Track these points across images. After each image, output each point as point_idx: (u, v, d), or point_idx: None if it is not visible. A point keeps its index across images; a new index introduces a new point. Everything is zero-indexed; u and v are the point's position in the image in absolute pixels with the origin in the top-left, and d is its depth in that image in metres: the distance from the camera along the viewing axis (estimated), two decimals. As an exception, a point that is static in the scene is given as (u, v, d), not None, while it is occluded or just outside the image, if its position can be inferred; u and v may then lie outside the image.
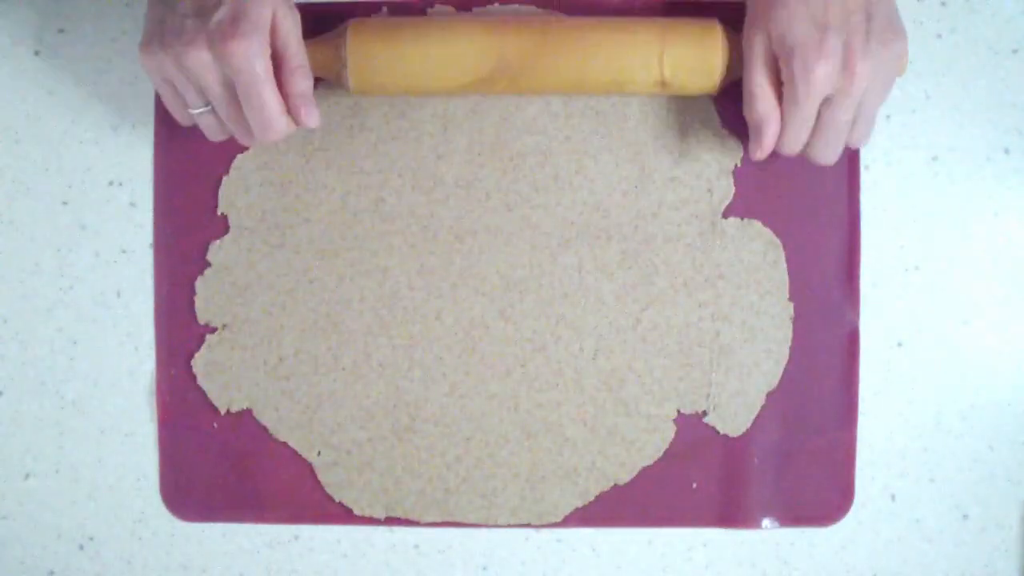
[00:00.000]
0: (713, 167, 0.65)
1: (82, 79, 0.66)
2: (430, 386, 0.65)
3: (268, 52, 0.56)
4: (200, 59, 0.55)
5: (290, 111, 0.57)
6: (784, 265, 0.65)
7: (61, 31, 0.66)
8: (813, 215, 0.65)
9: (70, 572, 0.66)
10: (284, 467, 0.66)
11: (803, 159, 0.65)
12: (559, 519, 0.65)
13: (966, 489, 0.66)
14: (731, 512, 0.65)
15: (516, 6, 0.65)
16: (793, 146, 0.59)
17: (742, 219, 0.65)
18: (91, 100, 0.66)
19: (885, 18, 0.57)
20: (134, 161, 0.66)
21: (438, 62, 0.60)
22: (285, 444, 0.65)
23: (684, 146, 0.65)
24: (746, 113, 0.59)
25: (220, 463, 0.66)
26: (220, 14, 0.55)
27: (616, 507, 0.65)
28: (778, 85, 0.58)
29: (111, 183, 0.67)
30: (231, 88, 0.56)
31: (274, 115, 0.56)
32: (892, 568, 0.66)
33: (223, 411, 0.66)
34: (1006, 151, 0.66)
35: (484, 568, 0.66)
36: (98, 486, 0.66)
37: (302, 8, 0.66)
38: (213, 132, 0.60)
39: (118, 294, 0.66)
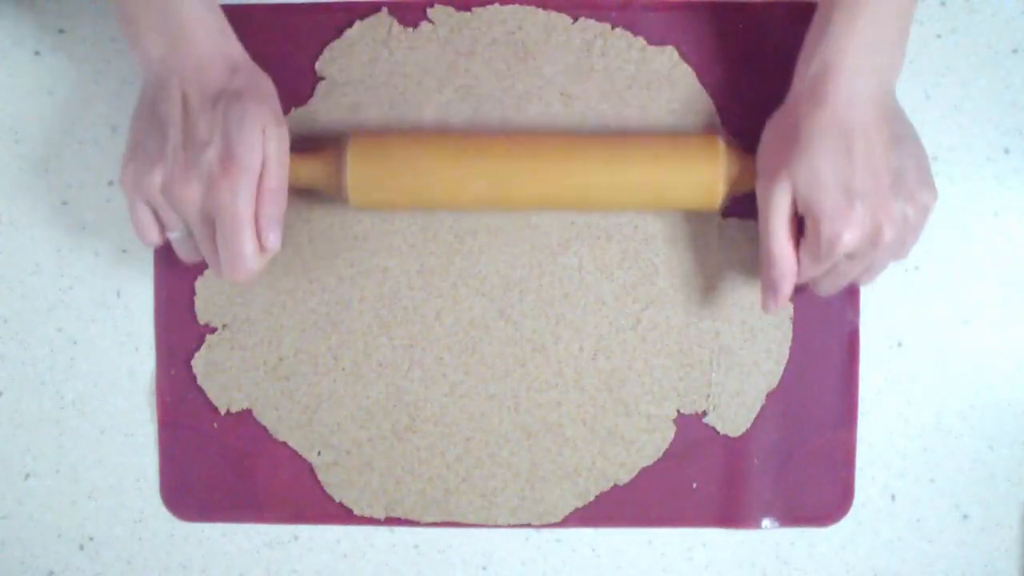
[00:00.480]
0: (713, 167, 0.65)
1: (82, 79, 0.66)
2: (430, 386, 0.65)
3: (254, 191, 0.56)
4: (187, 194, 0.56)
5: (256, 227, 0.57)
6: (784, 265, 0.65)
7: (61, 31, 0.66)
8: (813, 215, 0.65)
9: (70, 572, 0.66)
10: (284, 467, 0.66)
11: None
12: (559, 519, 0.65)
13: (966, 489, 0.66)
14: (731, 512, 0.65)
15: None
16: (802, 282, 0.59)
17: (742, 219, 0.65)
18: (91, 100, 0.66)
19: (915, 173, 0.57)
20: (134, 161, 0.66)
21: (439, 180, 0.60)
22: (285, 444, 0.65)
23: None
24: (762, 264, 0.59)
25: (220, 463, 0.66)
26: (211, 152, 0.55)
27: (616, 507, 0.65)
28: (797, 237, 0.58)
29: (111, 183, 0.67)
30: (211, 221, 0.57)
31: (247, 258, 0.57)
32: (892, 568, 0.66)
33: (223, 411, 0.66)
34: (1006, 151, 0.66)
35: (484, 568, 0.66)
36: (98, 486, 0.66)
37: (295, 9, 0.66)
38: (186, 254, 0.60)
39: (118, 294, 0.66)
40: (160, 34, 0.57)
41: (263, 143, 0.56)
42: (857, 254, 0.56)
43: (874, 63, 0.56)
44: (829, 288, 0.60)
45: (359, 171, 0.60)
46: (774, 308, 0.59)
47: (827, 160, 0.55)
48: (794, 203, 0.57)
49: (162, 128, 0.57)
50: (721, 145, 0.61)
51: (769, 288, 0.59)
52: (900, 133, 0.57)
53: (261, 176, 0.57)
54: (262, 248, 0.57)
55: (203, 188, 0.56)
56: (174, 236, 0.59)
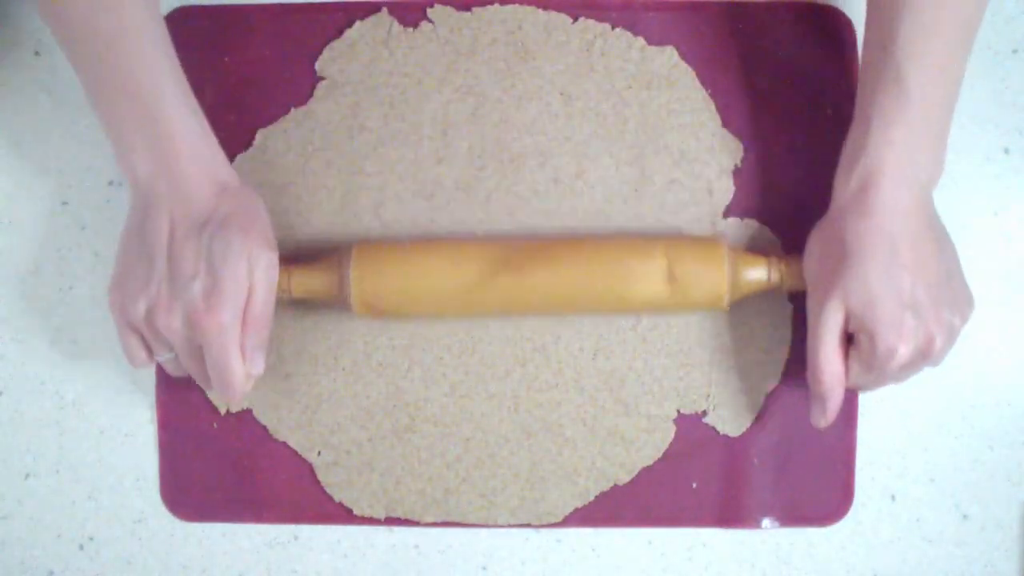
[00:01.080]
0: (713, 167, 0.65)
1: (82, 79, 0.66)
2: (430, 386, 0.65)
3: (240, 321, 0.56)
4: (171, 325, 0.56)
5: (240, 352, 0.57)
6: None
7: (61, 31, 0.66)
8: (813, 215, 0.65)
9: (70, 572, 0.66)
10: (284, 467, 0.66)
11: (803, 158, 0.66)
12: (559, 519, 0.65)
13: (966, 489, 0.66)
14: (731, 512, 0.65)
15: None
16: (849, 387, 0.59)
17: (742, 219, 0.65)
18: (91, 100, 0.66)
19: (957, 280, 0.57)
20: (134, 161, 0.66)
21: (443, 291, 0.60)
22: (285, 444, 0.65)
23: (684, 147, 0.65)
24: (811, 381, 0.59)
25: (220, 463, 0.66)
26: (196, 287, 0.55)
27: (616, 507, 0.65)
28: (845, 347, 0.58)
29: (111, 183, 0.67)
30: (197, 348, 0.57)
31: (237, 382, 0.57)
32: (892, 568, 0.66)
33: (223, 411, 0.66)
34: (1006, 151, 0.66)
35: (484, 568, 0.66)
36: (98, 486, 0.66)
37: (295, 9, 0.66)
38: (176, 373, 0.61)
39: (118, 294, 0.66)
40: (148, 154, 0.56)
41: (249, 272, 0.56)
42: (906, 364, 0.57)
43: (914, 171, 0.56)
44: (870, 388, 0.60)
45: (363, 282, 0.60)
46: (824, 423, 0.59)
47: (878, 274, 0.55)
48: (845, 319, 0.57)
49: (148, 255, 0.56)
50: (725, 252, 0.61)
51: (818, 402, 0.59)
52: (941, 239, 0.58)
53: (249, 305, 0.57)
54: (248, 368, 0.58)
55: (187, 320, 0.56)
56: (160, 360, 0.59)
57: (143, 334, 0.58)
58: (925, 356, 0.56)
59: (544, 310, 0.62)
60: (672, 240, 0.61)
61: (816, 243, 0.59)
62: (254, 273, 0.56)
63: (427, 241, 0.62)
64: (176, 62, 0.57)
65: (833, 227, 0.58)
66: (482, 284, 0.60)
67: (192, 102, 0.58)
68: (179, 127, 0.56)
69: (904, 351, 0.55)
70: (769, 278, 0.61)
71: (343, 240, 0.64)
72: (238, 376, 0.57)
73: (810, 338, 0.58)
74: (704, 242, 0.61)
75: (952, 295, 0.57)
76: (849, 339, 0.58)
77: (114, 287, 0.58)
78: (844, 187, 0.57)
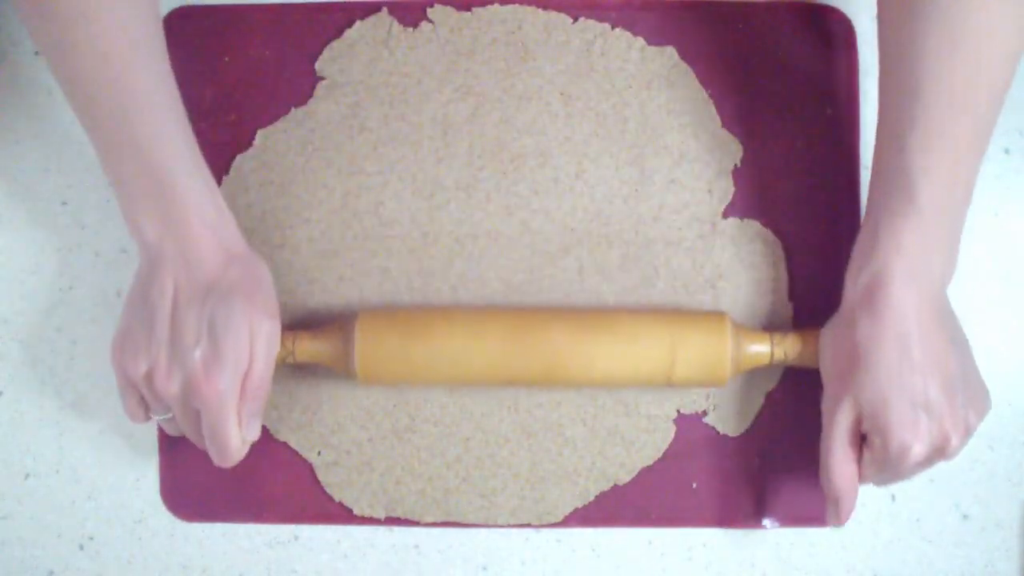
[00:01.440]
0: (713, 168, 0.65)
1: (82, 79, 0.66)
2: (430, 386, 0.65)
3: (239, 389, 0.56)
4: (170, 391, 0.56)
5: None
6: (784, 265, 0.65)
7: (61, 31, 0.66)
8: (813, 215, 0.65)
9: (70, 572, 0.66)
10: (284, 467, 0.65)
11: (803, 158, 0.66)
12: (559, 519, 0.65)
13: (966, 489, 0.66)
14: (731, 512, 0.65)
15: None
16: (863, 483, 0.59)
17: (742, 219, 0.65)
18: (91, 100, 0.66)
19: (974, 385, 0.57)
20: (134, 161, 0.66)
21: (448, 360, 0.60)
22: (285, 444, 0.65)
23: (684, 147, 0.65)
24: (824, 483, 0.59)
25: (220, 463, 0.66)
26: (196, 354, 0.55)
27: (616, 507, 0.65)
28: (857, 446, 0.58)
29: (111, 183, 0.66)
30: (194, 412, 0.57)
31: (233, 449, 0.57)
32: (892, 568, 0.66)
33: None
34: (1006, 151, 0.66)
35: (484, 568, 0.66)
36: (98, 486, 0.66)
37: (295, 9, 0.66)
38: (172, 432, 0.61)
39: (118, 294, 0.66)
40: (157, 218, 0.56)
41: (250, 343, 0.56)
42: (924, 462, 0.56)
43: (924, 274, 0.56)
44: (884, 484, 0.60)
45: (368, 350, 0.60)
46: (838, 524, 0.59)
47: (889, 375, 0.55)
48: (857, 419, 0.57)
49: (151, 317, 0.56)
50: (728, 324, 0.60)
51: (831, 504, 0.59)
52: (955, 336, 0.57)
53: (247, 375, 0.57)
54: (244, 435, 0.58)
55: (185, 386, 0.56)
56: (158, 418, 0.59)
57: (142, 393, 0.58)
58: (941, 454, 0.56)
59: (545, 385, 0.62)
60: (676, 319, 0.61)
61: (829, 341, 0.59)
62: (255, 343, 0.57)
63: (430, 311, 0.62)
64: (187, 124, 0.57)
65: (844, 326, 0.57)
66: (484, 358, 0.60)
67: (202, 166, 0.57)
68: (188, 192, 0.56)
69: (919, 450, 0.55)
70: (772, 355, 0.61)
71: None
72: (234, 443, 0.57)
73: (823, 439, 0.58)
74: (708, 322, 0.61)
75: (968, 393, 0.56)
76: (863, 439, 0.58)
77: (116, 345, 0.58)
78: (854, 286, 0.57)
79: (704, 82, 0.65)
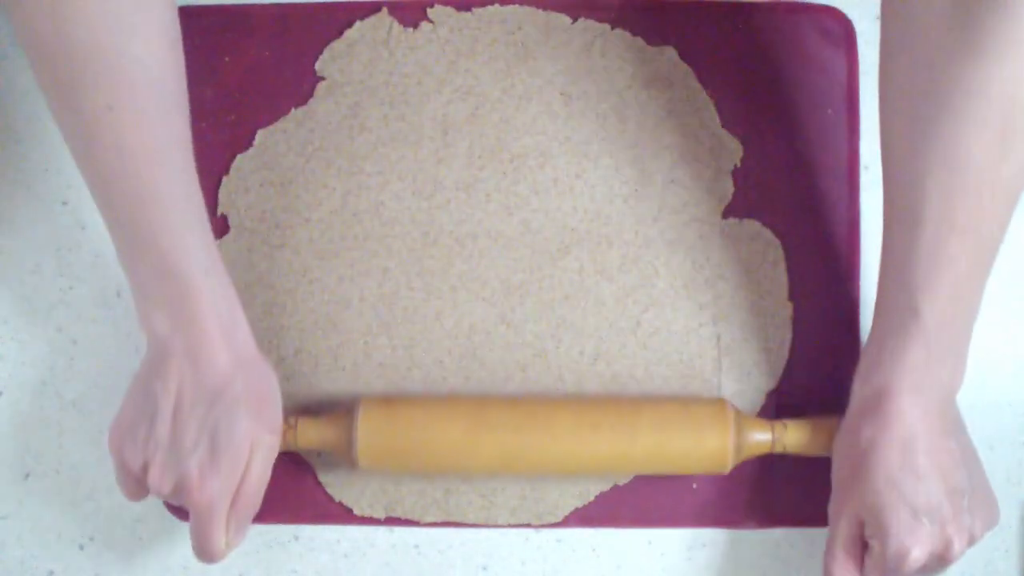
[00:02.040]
0: (713, 168, 0.65)
1: (82, 79, 0.66)
2: (430, 388, 0.65)
3: (230, 498, 0.57)
4: (162, 488, 0.56)
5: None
6: (784, 265, 0.65)
7: (61, 31, 0.66)
8: (813, 215, 0.65)
9: (70, 572, 0.66)
10: (284, 467, 0.65)
11: (803, 158, 0.66)
12: (559, 519, 0.65)
13: (966, 489, 0.65)
14: (731, 512, 0.65)
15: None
16: None
17: (742, 219, 0.65)
18: (91, 100, 0.66)
19: (980, 493, 0.57)
20: (134, 161, 0.66)
21: (450, 451, 0.60)
22: (285, 444, 0.65)
23: (684, 147, 0.65)
24: None
25: (220, 463, 0.66)
26: (193, 460, 0.55)
27: (616, 507, 0.65)
28: (859, 554, 0.57)
29: (111, 183, 0.66)
30: (184, 507, 0.58)
31: (217, 553, 0.57)
32: (892, 568, 0.66)
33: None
34: (1006, 151, 0.66)
35: (484, 568, 0.66)
36: (98, 486, 0.66)
37: (295, 9, 0.66)
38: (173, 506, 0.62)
39: (118, 294, 0.66)
40: (169, 314, 0.56)
41: (248, 458, 0.57)
42: (924, 569, 0.56)
43: (930, 383, 0.56)
44: None
45: (369, 440, 0.60)
46: None
47: (890, 479, 0.55)
48: (860, 525, 0.57)
49: (152, 414, 0.56)
50: (730, 413, 0.61)
51: None
52: (962, 446, 0.57)
53: (240, 487, 0.57)
54: (229, 543, 0.58)
55: (178, 487, 0.56)
56: (156, 496, 0.59)
57: (138, 478, 0.58)
58: (943, 561, 0.56)
59: (551, 472, 0.63)
60: (677, 407, 0.61)
61: (838, 446, 0.59)
62: (253, 458, 0.57)
63: (432, 402, 0.62)
64: (206, 221, 0.57)
65: (850, 433, 0.57)
66: (486, 451, 0.60)
67: (219, 266, 0.57)
68: (203, 292, 0.55)
69: (918, 554, 0.55)
70: (772, 444, 0.61)
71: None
72: (218, 549, 0.57)
73: (827, 545, 0.58)
74: (709, 411, 0.61)
75: (975, 502, 0.56)
76: (867, 546, 0.57)
77: (114, 433, 0.58)
78: (860, 393, 0.57)
79: (704, 82, 0.65)
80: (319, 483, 0.65)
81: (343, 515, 0.65)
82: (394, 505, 0.65)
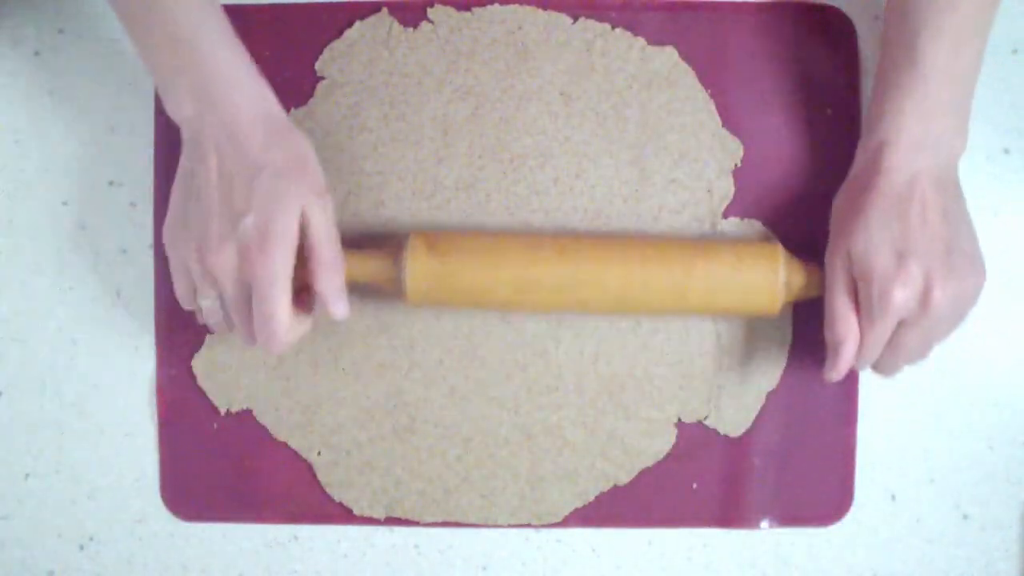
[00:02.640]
0: (713, 167, 0.65)
1: (82, 79, 0.66)
2: (430, 387, 0.65)
3: (292, 263, 0.55)
4: (221, 263, 0.55)
5: (320, 303, 0.57)
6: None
7: (61, 31, 0.66)
8: (813, 215, 0.65)
9: (70, 572, 0.66)
10: (284, 467, 0.65)
11: (803, 158, 0.66)
12: (559, 519, 0.65)
13: (966, 489, 0.66)
14: (731, 512, 0.65)
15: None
16: (864, 363, 0.59)
17: (742, 219, 0.65)
18: (91, 100, 0.66)
19: (966, 252, 0.57)
20: (134, 161, 0.66)
21: (500, 285, 0.60)
22: (285, 444, 0.65)
23: (684, 147, 0.65)
24: (826, 332, 0.59)
25: (220, 463, 0.66)
26: (248, 222, 0.54)
27: (616, 508, 0.65)
28: (857, 304, 0.58)
29: (111, 183, 0.67)
30: (246, 291, 0.56)
31: (281, 330, 0.56)
32: (892, 568, 0.66)
33: (223, 411, 0.66)
34: (1006, 151, 0.66)
35: (484, 568, 0.66)
36: (98, 486, 0.66)
37: (295, 9, 0.66)
38: (215, 323, 0.59)
39: (118, 294, 0.66)
40: (194, 93, 0.56)
41: (302, 222, 0.56)
42: (909, 319, 0.56)
43: (929, 140, 0.57)
44: (888, 367, 0.59)
45: (418, 270, 0.60)
46: (835, 375, 0.58)
47: (881, 226, 0.56)
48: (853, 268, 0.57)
49: (197, 194, 0.56)
50: (781, 253, 0.61)
51: (831, 353, 0.59)
52: (956, 210, 0.58)
53: (315, 252, 0.56)
54: (331, 316, 0.57)
55: (238, 257, 0.55)
56: (205, 304, 0.58)
57: (192, 273, 0.57)
58: (925, 306, 0.56)
59: (601, 311, 0.62)
60: (728, 247, 0.61)
61: (837, 203, 0.60)
62: (312, 219, 0.56)
63: (482, 236, 0.62)
64: (218, 3, 0.57)
65: (851, 187, 0.59)
66: (538, 277, 0.60)
67: (234, 40, 0.57)
68: (223, 63, 0.56)
69: (899, 296, 0.55)
70: (822, 285, 0.60)
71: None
72: (282, 324, 0.55)
73: (826, 291, 0.59)
74: (760, 251, 0.61)
75: (957, 259, 0.56)
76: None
77: (168, 226, 0.58)
78: (864, 148, 0.59)
79: (704, 82, 0.65)
80: (319, 483, 0.65)
81: (343, 515, 0.65)
82: (394, 505, 0.65)
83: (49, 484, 0.66)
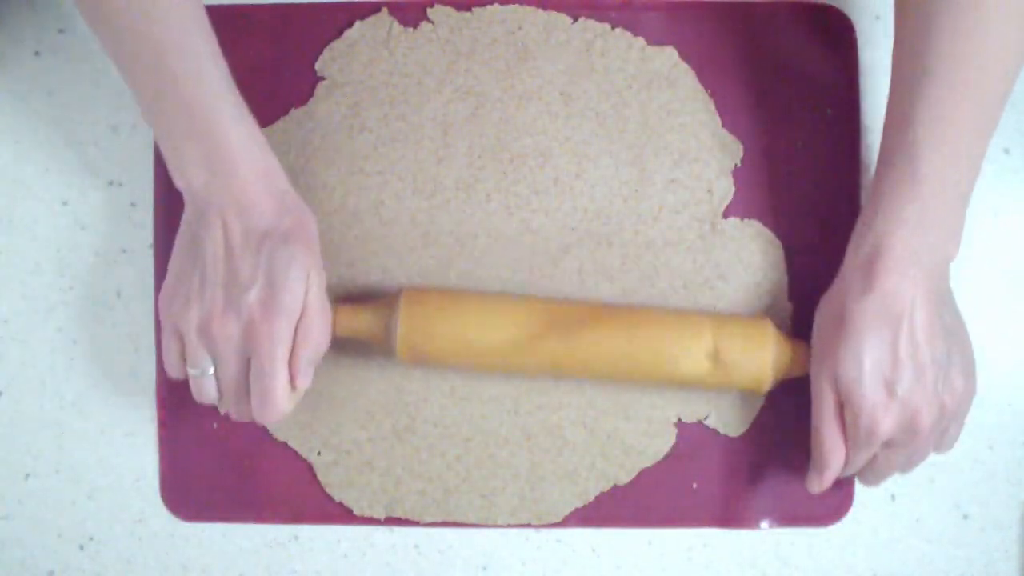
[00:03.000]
0: (713, 168, 0.65)
1: (82, 79, 0.66)
2: (430, 387, 0.65)
3: (292, 335, 0.56)
4: (224, 335, 0.55)
5: (289, 368, 0.57)
6: (784, 265, 0.65)
7: (61, 31, 0.66)
8: (813, 215, 0.65)
9: (70, 572, 0.66)
10: (284, 467, 0.65)
11: (803, 158, 0.66)
12: (559, 519, 0.65)
13: (966, 489, 0.66)
14: (731, 512, 0.65)
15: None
16: (847, 473, 0.59)
17: (742, 219, 0.65)
18: (91, 100, 0.66)
19: (958, 366, 0.57)
20: (134, 161, 0.66)
21: (488, 346, 0.60)
22: (285, 444, 0.65)
23: (684, 147, 0.65)
24: (812, 451, 0.59)
25: (220, 463, 0.66)
26: (252, 294, 0.55)
27: (616, 507, 0.65)
28: (844, 424, 0.58)
29: (111, 183, 0.67)
30: (246, 364, 0.56)
31: (279, 397, 0.56)
32: (892, 568, 0.66)
33: (223, 411, 0.65)
34: (1006, 151, 0.66)
35: (484, 568, 0.66)
36: (98, 486, 0.66)
37: (295, 9, 0.66)
38: (203, 394, 0.59)
39: (118, 294, 0.66)
40: (203, 165, 0.55)
41: (306, 289, 0.56)
42: (896, 442, 0.56)
43: (924, 251, 0.56)
44: (872, 480, 0.60)
45: (409, 330, 0.60)
46: (818, 490, 0.59)
47: (869, 351, 0.55)
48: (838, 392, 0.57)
49: (202, 264, 0.56)
50: (771, 330, 0.61)
51: (815, 469, 0.59)
52: (948, 323, 0.57)
53: (303, 321, 0.56)
54: (293, 385, 0.57)
55: (241, 328, 0.55)
56: (194, 373, 0.58)
57: (185, 343, 0.57)
58: (913, 433, 0.56)
59: (586, 376, 0.62)
60: (719, 319, 0.61)
61: (822, 311, 0.59)
62: (311, 291, 0.56)
63: (474, 294, 0.62)
64: (227, 71, 0.57)
65: (838, 298, 0.58)
66: (528, 344, 0.60)
67: (247, 113, 0.57)
68: (233, 137, 0.55)
69: (886, 427, 0.55)
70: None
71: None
72: (280, 391, 0.56)
73: (812, 407, 0.59)
74: (751, 324, 0.61)
75: (952, 374, 0.56)
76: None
77: (166, 293, 0.58)
78: (852, 260, 0.58)
79: (704, 82, 0.65)
80: (319, 483, 0.65)
81: (343, 515, 0.65)
82: (394, 505, 0.65)
83: (49, 484, 0.66)
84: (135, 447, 0.66)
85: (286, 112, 0.66)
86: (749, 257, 0.65)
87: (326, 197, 0.65)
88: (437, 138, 0.65)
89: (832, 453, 0.58)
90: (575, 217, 0.65)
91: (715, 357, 0.60)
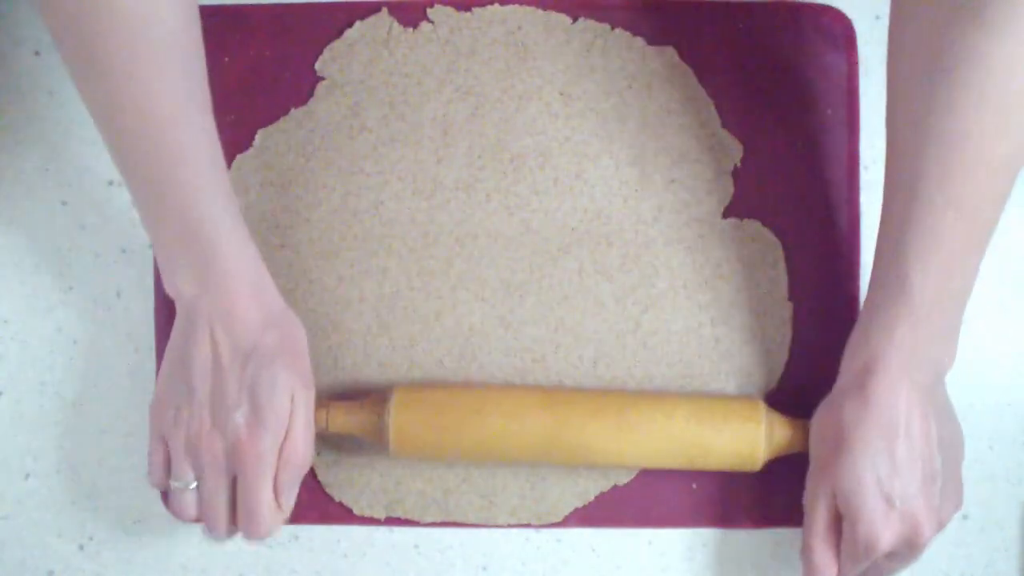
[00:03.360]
0: (713, 168, 0.65)
1: (82, 79, 0.66)
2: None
3: (276, 455, 0.56)
4: (211, 449, 0.56)
5: (274, 487, 0.57)
6: (784, 265, 0.65)
7: (61, 31, 0.66)
8: (813, 215, 0.65)
9: (70, 572, 0.66)
10: (284, 467, 0.65)
11: (803, 158, 0.66)
12: (559, 519, 0.65)
13: (966, 489, 0.65)
14: (731, 512, 0.65)
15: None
16: None
17: (742, 219, 0.65)
18: (91, 100, 0.66)
19: (950, 480, 0.57)
20: (134, 161, 0.66)
21: (480, 442, 0.61)
22: (285, 444, 0.65)
23: (684, 147, 0.65)
24: (803, 563, 0.59)
25: (220, 463, 0.66)
26: (238, 416, 0.56)
27: (616, 507, 0.65)
28: (837, 535, 0.58)
29: (111, 183, 0.67)
30: (229, 481, 0.57)
31: (264, 513, 0.57)
32: (892, 568, 0.66)
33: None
34: (1006, 151, 0.66)
35: (484, 568, 0.66)
36: (98, 486, 0.66)
37: (295, 9, 0.66)
38: (183, 510, 0.59)
39: (118, 294, 0.66)
40: (195, 277, 0.56)
41: (291, 410, 0.57)
42: (894, 555, 0.57)
43: (918, 364, 0.56)
44: None
45: (402, 429, 0.60)
46: None
47: (867, 465, 0.55)
48: (836, 505, 0.57)
49: (190, 377, 0.56)
50: (763, 410, 0.61)
51: (807, 573, 0.59)
52: (944, 434, 0.57)
53: (287, 443, 0.57)
54: (279, 504, 0.58)
55: (227, 448, 0.56)
56: (177, 486, 0.58)
57: (172, 453, 0.58)
58: (913, 547, 0.56)
59: (584, 464, 0.63)
60: (710, 404, 0.61)
61: (818, 422, 0.59)
62: (296, 411, 0.57)
63: (466, 391, 0.62)
64: (227, 182, 0.57)
65: (834, 409, 0.58)
66: (519, 442, 0.60)
67: (241, 225, 0.57)
68: (228, 251, 0.56)
69: (886, 542, 0.55)
70: (805, 441, 0.61)
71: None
72: (266, 509, 0.57)
73: (804, 520, 0.59)
74: (741, 408, 0.61)
75: (946, 490, 0.57)
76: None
77: (156, 406, 0.59)
78: (848, 370, 0.58)
79: (704, 82, 0.65)
80: (319, 483, 0.65)
81: (343, 515, 0.65)
82: (394, 505, 0.65)
83: (49, 484, 0.66)
84: (135, 447, 0.66)
85: (286, 112, 0.66)
86: (749, 257, 0.65)
87: (326, 197, 0.65)
88: (437, 138, 0.65)
89: (822, 571, 0.58)
90: (575, 217, 0.65)
91: (707, 445, 0.60)
